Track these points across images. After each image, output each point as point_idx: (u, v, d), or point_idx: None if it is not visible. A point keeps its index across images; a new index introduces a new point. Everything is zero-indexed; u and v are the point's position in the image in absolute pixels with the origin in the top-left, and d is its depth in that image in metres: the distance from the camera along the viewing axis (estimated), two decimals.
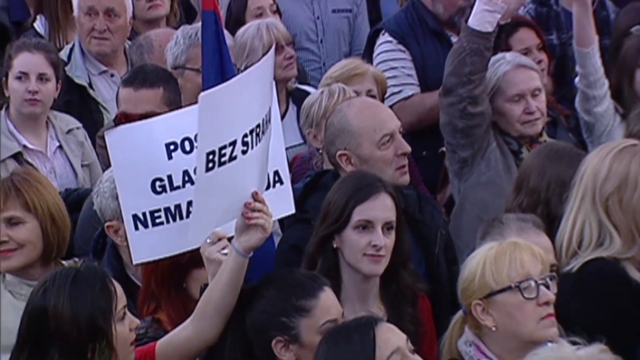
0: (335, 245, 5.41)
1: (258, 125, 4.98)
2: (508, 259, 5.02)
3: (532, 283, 4.96)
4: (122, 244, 5.62)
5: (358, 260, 5.36)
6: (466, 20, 6.88)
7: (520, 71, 6.90)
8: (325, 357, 4.67)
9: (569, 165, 6.03)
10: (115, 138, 5.39)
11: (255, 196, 4.90)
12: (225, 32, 7.10)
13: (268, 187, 5.42)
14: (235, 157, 4.88)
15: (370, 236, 5.35)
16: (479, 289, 5.00)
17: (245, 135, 4.91)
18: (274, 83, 5.19)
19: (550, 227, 5.89)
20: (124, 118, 6.55)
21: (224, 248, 5.03)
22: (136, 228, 5.21)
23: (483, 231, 5.68)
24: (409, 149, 6.25)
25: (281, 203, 5.51)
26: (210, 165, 4.79)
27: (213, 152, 4.78)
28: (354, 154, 6.16)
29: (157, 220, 5.21)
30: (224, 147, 4.84)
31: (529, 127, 6.80)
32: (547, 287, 5.04)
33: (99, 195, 5.73)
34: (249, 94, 4.94)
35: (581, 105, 7.27)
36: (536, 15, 8.23)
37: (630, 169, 5.65)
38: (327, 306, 4.82)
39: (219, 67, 6.07)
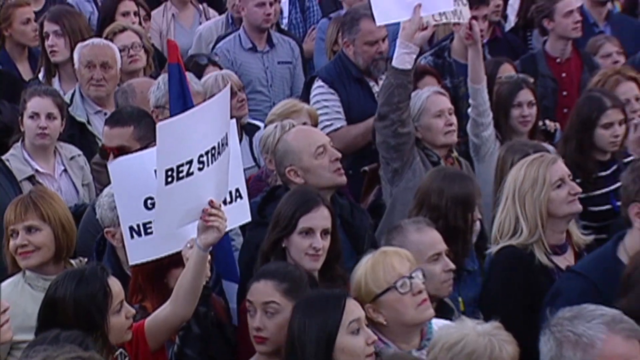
0: (284, 245, 5.44)
1: (214, 147, 4.95)
2: (382, 266, 5.04)
3: (404, 280, 4.98)
4: (119, 246, 5.60)
5: (301, 259, 5.41)
6: (388, 62, 6.96)
7: (438, 95, 6.98)
8: (300, 318, 4.68)
9: (461, 186, 6.09)
10: (116, 167, 5.43)
11: (211, 204, 4.89)
12: (193, 78, 7.28)
13: (231, 201, 5.44)
14: (192, 173, 4.86)
15: (311, 240, 5.41)
16: (366, 295, 5.01)
17: (201, 156, 4.89)
18: (229, 114, 5.15)
19: (449, 236, 5.83)
20: (103, 150, 6.62)
21: None
22: (132, 237, 5.22)
23: (386, 237, 5.65)
24: (339, 155, 6.27)
25: (241, 214, 5.55)
26: (170, 179, 4.79)
27: (171, 169, 4.78)
28: (298, 167, 6.17)
29: (149, 231, 5.20)
30: (181, 165, 4.81)
31: (450, 137, 6.89)
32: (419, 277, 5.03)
33: (99, 207, 5.71)
34: (204, 122, 4.94)
35: (472, 130, 7.28)
36: (434, 65, 8.15)
37: (539, 172, 5.73)
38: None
39: (183, 108, 6.00)
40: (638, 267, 5.02)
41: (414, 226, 5.57)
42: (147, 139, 6.25)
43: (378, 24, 7.34)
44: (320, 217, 5.47)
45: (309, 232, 5.43)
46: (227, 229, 5.39)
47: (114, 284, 4.81)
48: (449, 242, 5.80)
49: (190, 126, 4.92)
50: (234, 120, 5.68)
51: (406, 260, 5.08)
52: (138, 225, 5.23)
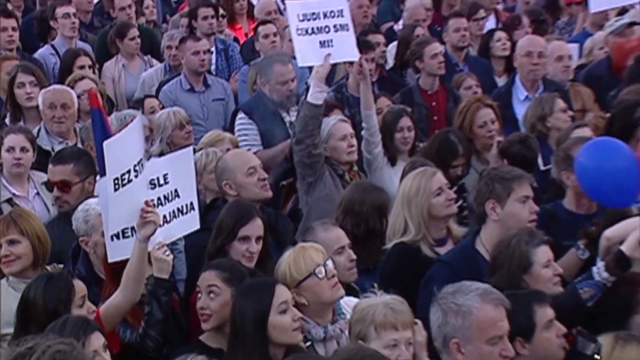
0: (226, 249, 5.47)
1: (141, 160, 5.08)
2: (302, 257, 5.06)
3: (321, 267, 5.00)
4: (90, 252, 5.58)
5: (240, 259, 5.39)
6: (302, 98, 7.02)
7: (342, 123, 7.08)
8: (240, 301, 4.72)
9: (377, 196, 6.20)
10: (102, 185, 5.43)
11: (146, 203, 4.98)
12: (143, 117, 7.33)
13: (186, 212, 5.47)
14: (131, 180, 4.96)
15: (247, 245, 5.44)
16: (291, 282, 5.01)
17: (135, 165, 4.99)
18: (143, 139, 5.34)
19: (369, 237, 6.03)
20: (48, 183, 6.60)
21: (165, 252, 5.11)
22: (112, 240, 5.21)
23: (302, 237, 5.72)
24: (266, 175, 6.37)
25: (193, 222, 5.54)
26: (117, 187, 4.90)
27: (117, 178, 4.90)
28: (232, 182, 6.22)
29: (126, 235, 5.19)
30: (124, 173, 4.92)
31: (352, 156, 6.97)
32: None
33: (75, 220, 5.67)
34: (134, 140, 5.09)
35: (365, 148, 7.30)
36: (335, 98, 8.21)
37: (420, 182, 5.79)
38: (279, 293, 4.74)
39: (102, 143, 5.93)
40: (501, 253, 5.09)
41: (322, 227, 5.61)
42: (85, 174, 6.32)
43: (300, 65, 7.49)
44: (255, 227, 5.49)
45: (246, 239, 5.45)
46: (183, 234, 5.58)
47: (77, 284, 4.83)
48: (369, 241, 5.99)
49: (127, 141, 5.05)
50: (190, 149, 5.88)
51: (320, 252, 5.13)
52: (119, 232, 5.21)
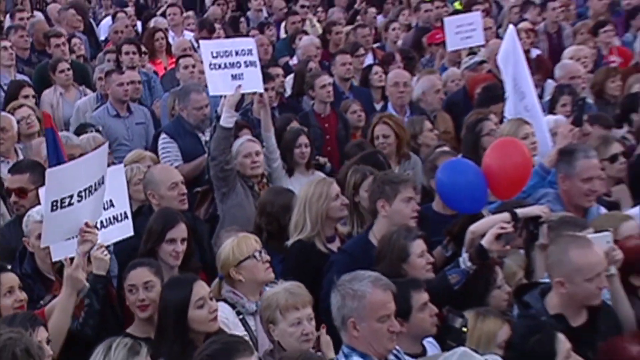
0: (155, 250, 5.42)
1: (91, 186, 4.92)
2: (244, 242, 5.14)
3: (258, 252, 5.09)
4: (32, 250, 5.40)
5: (167, 259, 5.37)
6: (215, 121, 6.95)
7: (249, 143, 7.00)
8: (164, 295, 4.74)
9: (286, 197, 6.23)
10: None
11: (86, 224, 4.88)
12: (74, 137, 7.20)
13: (120, 220, 5.43)
14: (72, 204, 4.82)
15: (174, 246, 5.39)
16: (233, 261, 5.07)
17: (80, 192, 4.85)
18: (106, 163, 5.17)
19: (282, 233, 6.07)
20: (7, 190, 6.43)
21: (103, 252, 5.01)
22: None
23: (225, 236, 5.63)
24: (185, 190, 6.30)
25: (127, 229, 5.49)
26: (54, 208, 4.76)
27: (56, 201, 4.76)
28: (156, 193, 6.19)
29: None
30: (64, 198, 4.78)
31: (256, 170, 6.90)
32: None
33: (23, 222, 5.51)
34: (83, 169, 4.93)
35: (265, 162, 7.22)
36: (245, 120, 8.11)
37: (322, 189, 5.86)
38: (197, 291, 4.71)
39: (56, 158, 5.94)
40: (384, 246, 5.17)
41: (227, 234, 5.68)
42: (39, 182, 5.98)
43: (211, 93, 7.43)
44: (180, 230, 5.45)
45: (172, 241, 5.40)
46: (116, 240, 5.46)
47: (6, 276, 4.73)
48: (282, 236, 6.02)
49: (71, 172, 4.90)
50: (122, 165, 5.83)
51: (257, 243, 5.20)
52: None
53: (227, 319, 4.94)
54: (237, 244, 5.14)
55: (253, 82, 7.17)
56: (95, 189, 4.97)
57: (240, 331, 4.93)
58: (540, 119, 7.28)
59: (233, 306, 5.07)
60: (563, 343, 4.05)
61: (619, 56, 10.34)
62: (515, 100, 7.39)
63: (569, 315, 4.54)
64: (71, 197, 4.82)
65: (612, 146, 6.68)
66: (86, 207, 4.93)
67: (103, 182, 5.06)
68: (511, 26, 8.48)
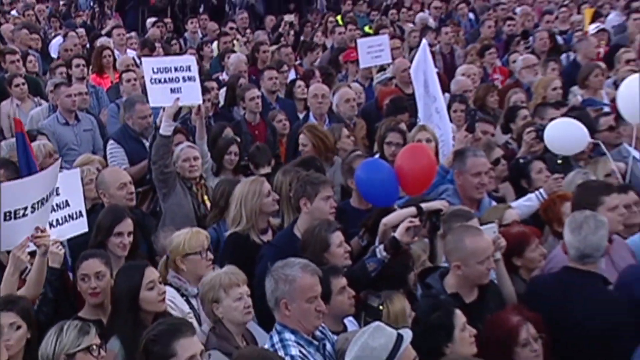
0: (105, 242, 5.29)
1: (43, 198, 4.81)
2: (196, 238, 5.09)
3: (203, 251, 5.05)
4: None
5: (115, 250, 5.25)
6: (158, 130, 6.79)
7: (188, 149, 6.87)
8: (118, 280, 4.66)
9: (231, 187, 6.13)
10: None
11: (37, 229, 4.77)
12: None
13: (76, 218, 5.31)
14: (26, 215, 4.70)
15: (121, 239, 5.27)
16: (181, 251, 5.03)
17: (34, 204, 4.73)
18: (57, 176, 5.02)
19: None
20: None
21: (58, 246, 4.92)
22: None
23: (163, 237, 5.71)
24: (133, 190, 6.24)
25: (81, 226, 5.38)
26: (8, 218, 4.63)
27: (9, 212, 4.62)
28: (106, 192, 6.09)
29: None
30: (18, 209, 4.65)
31: (193, 173, 6.77)
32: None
33: None
34: (36, 184, 4.82)
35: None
36: (185, 127, 7.95)
37: (256, 187, 5.84)
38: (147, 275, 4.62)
39: (26, 163, 5.86)
40: (308, 238, 5.14)
41: (163, 234, 5.68)
42: (13, 177, 5.95)
43: (151, 105, 7.29)
44: (126, 225, 5.33)
45: (120, 234, 5.29)
46: (72, 235, 5.34)
47: None
48: None
49: (26, 187, 4.78)
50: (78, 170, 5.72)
51: (205, 238, 5.15)
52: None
53: (174, 299, 4.91)
54: (190, 238, 5.08)
55: (191, 95, 7.06)
56: (47, 200, 4.85)
57: (186, 309, 4.91)
58: (447, 120, 7.42)
59: (177, 289, 5.02)
60: (459, 317, 4.10)
61: (500, 74, 10.91)
62: (428, 103, 7.45)
63: (464, 294, 4.62)
64: (25, 209, 4.68)
65: (494, 151, 6.86)
66: (39, 216, 4.79)
67: (54, 193, 4.98)
68: (425, 40, 8.57)
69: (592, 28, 12.83)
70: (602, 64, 9.76)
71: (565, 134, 6.69)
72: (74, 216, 5.32)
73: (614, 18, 14.03)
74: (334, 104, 8.84)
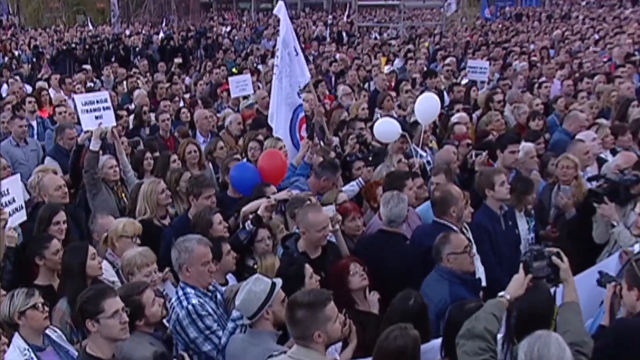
0: (47, 230, 4.92)
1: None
2: (131, 227, 4.82)
3: (135, 237, 4.72)
4: None
5: (55, 234, 4.80)
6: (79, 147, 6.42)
7: (109, 159, 6.45)
8: (67, 255, 4.34)
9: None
10: None
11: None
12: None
13: (20, 210, 4.97)
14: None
15: (58, 226, 4.91)
16: (117, 232, 4.75)
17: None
18: (20, 185, 4.84)
19: None
20: None
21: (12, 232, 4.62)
22: None
23: (99, 217, 5.30)
24: (67, 191, 5.79)
25: (23, 216, 5.04)
26: None
27: None
28: (46, 193, 5.67)
29: None
30: None
31: (115, 177, 6.37)
32: None
33: None
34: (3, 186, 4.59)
35: (121, 172, 6.59)
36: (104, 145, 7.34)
37: (153, 186, 5.54)
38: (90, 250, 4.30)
39: None
40: (197, 220, 4.88)
41: (100, 216, 5.30)
42: None
43: (84, 129, 6.69)
44: (61, 216, 5.02)
45: (57, 223, 4.97)
46: (18, 223, 4.97)
47: None
48: None
49: None
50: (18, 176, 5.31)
51: (139, 229, 4.86)
52: None
53: (107, 270, 4.60)
54: (126, 225, 4.77)
55: (109, 120, 6.79)
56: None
57: (117, 278, 4.61)
58: (288, 132, 7.20)
59: (111, 263, 4.76)
60: (308, 269, 4.08)
61: (329, 100, 11.11)
62: (280, 120, 7.22)
63: (310, 252, 4.55)
64: None
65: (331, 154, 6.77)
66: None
67: (8, 193, 4.85)
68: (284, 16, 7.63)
69: (386, 69, 13.57)
70: (392, 93, 10.19)
71: (386, 127, 6.87)
72: (18, 209, 5.01)
73: (398, 62, 15.14)
74: (226, 123, 8.62)
